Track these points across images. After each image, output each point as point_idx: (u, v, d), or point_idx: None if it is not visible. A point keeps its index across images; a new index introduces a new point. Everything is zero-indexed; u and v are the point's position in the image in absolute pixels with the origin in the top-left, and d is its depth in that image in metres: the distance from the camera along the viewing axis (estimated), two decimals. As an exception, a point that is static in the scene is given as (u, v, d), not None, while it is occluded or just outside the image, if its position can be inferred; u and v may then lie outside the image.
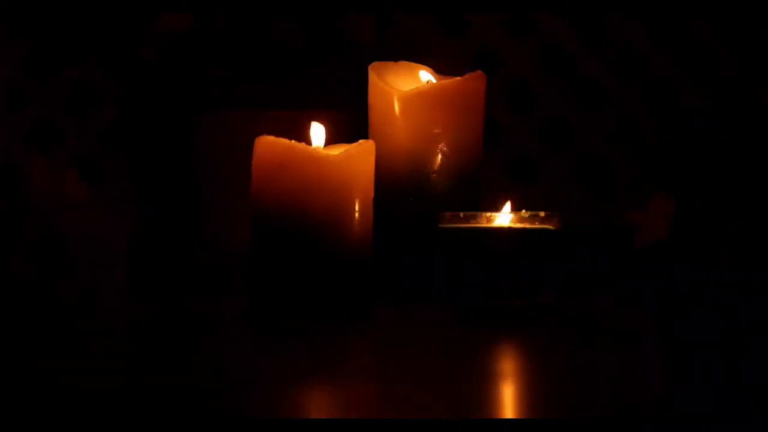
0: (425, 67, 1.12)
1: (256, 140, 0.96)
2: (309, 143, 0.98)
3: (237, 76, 1.31)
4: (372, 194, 0.98)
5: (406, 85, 1.10)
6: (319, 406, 0.68)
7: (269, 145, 0.95)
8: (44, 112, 1.38)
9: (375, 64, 1.10)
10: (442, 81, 1.10)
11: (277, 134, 0.96)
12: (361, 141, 0.98)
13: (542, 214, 0.97)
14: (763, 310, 1.04)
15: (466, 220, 0.98)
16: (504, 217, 0.97)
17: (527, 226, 0.97)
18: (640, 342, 0.90)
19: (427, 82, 1.11)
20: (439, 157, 1.07)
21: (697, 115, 1.38)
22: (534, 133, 1.40)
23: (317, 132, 0.99)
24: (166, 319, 1.04)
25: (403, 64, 1.12)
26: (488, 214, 0.98)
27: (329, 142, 1.00)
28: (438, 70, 1.12)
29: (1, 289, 1.03)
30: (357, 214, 0.96)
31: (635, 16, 1.39)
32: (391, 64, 1.12)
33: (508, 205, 0.98)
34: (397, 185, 1.07)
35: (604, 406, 0.66)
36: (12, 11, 1.36)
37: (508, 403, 0.69)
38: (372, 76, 1.09)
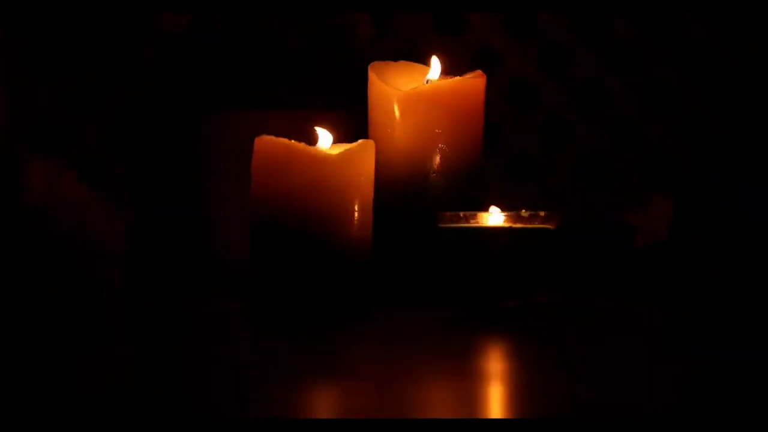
0: (426, 67, 1.12)
1: (256, 140, 0.96)
2: (313, 142, 0.98)
3: (237, 76, 1.32)
4: (372, 194, 0.98)
5: (406, 85, 1.10)
6: (318, 406, 0.68)
7: (269, 145, 0.95)
8: (44, 112, 1.38)
9: (375, 64, 1.10)
10: (442, 81, 1.10)
11: (277, 134, 0.96)
12: (361, 141, 0.98)
13: (542, 214, 0.97)
14: (763, 310, 1.04)
15: (466, 220, 0.98)
16: (504, 217, 0.97)
17: (527, 226, 0.97)
18: (639, 342, 0.90)
19: (427, 81, 1.11)
20: (439, 157, 1.07)
21: (698, 114, 1.38)
22: (534, 133, 1.40)
23: (324, 136, 0.99)
24: (166, 319, 1.04)
25: (403, 64, 1.12)
26: (488, 214, 0.98)
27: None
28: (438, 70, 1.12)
29: (1, 289, 1.03)
30: (357, 214, 0.96)
31: (635, 16, 1.39)
32: (391, 63, 1.12)
33: (494, 209, 0.98)
34: (397, 185, 1.07)
35: (603, 406, 0.66)
36: (12, 11, 1.36)
37: (508, 403, 0.69)
38: (372, 76, 1.09)
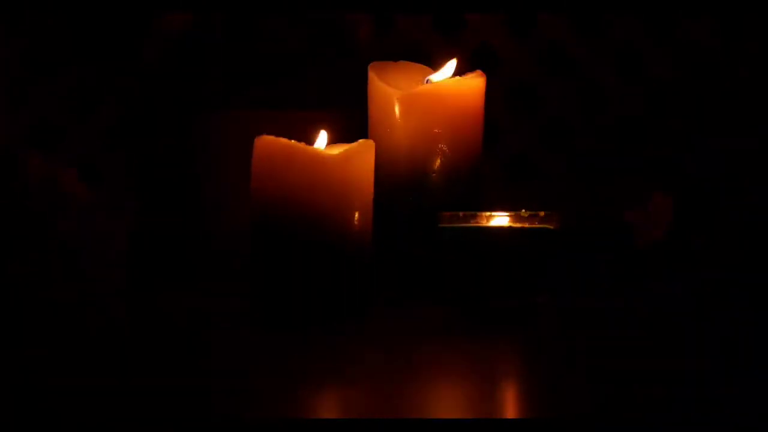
0: (426, 67, 1.12)
1: (256, 140, 0.96)
2: (312, 142, 0.98)
3: (237, 76, 1.32)
4: (372, 194, 0.98)
5: (406, 85, 1.10)
6: (318, 406, 0.68)
7: (269, 145, 0.95)
8: (44, 112, 1.38)
9: (375, 64, 1.10)
10: (442, 81, 1.10)
11: (277, 134, 0.96)
12: (361, 141, 0.98)
13: (542, 214, 0.97)
14: (763, 310, 1.04)
15: (466, 220, 0.98)
16: (503, 217, 0.97)
17: (527, 225, 0.97)
18: (639, 342, 0.90)
19: (427, 81, 1.11)
20: (439, 157, 1.07)
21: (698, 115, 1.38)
22: (534, 133, 1.40)
23: (322, 137, 0.99)
24: (166, 319, 1.04)
25: (403, 64, 1.12)
26: (488, 214, 0.98)
27: (329, 142, 1.00)
28: (438, 69, 1.12)
29: (1, 289, 1.03)
30: (357, 214, 0.96)
31: (635, 16, 1.39)
32: (391, 64, 1.12)
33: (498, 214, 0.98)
34: (397, 185, 1.07)
35: (603, 405, 0.66)
36: (12, 11, 1.36)
37: (508, 403, 0.69)
38: (372, 76, 1.09)
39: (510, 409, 0.67)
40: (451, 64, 1.10)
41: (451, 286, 0.99)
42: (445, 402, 0.69)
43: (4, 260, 1.03)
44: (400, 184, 1.07)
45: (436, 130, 1.07)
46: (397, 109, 1.07)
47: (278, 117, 1.19)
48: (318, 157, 0.96)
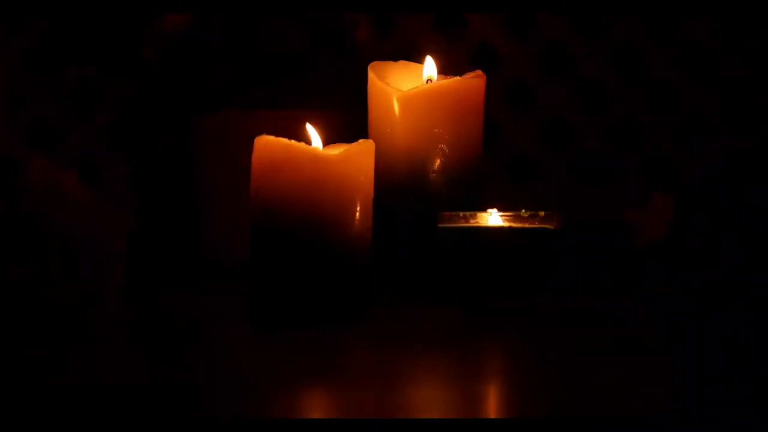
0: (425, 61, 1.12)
1: (256, 140, 0.96)
2: (308, 143, 0.98)
3: (237, 76, 1.32)
4: (372, 194, 0.98)
5: (405, 85, 1.10)
6: (318, 406, 0.68)
7: (269, 145, 0.95)
8: (44, 112, 1.38)
9: (375, 63, 1.10)
10: (442, 81, 1.10)
11: (277, 134, 0.96)
12: (360, 141, 0.98)
13: (542, 213, 0.97)
14: (762, 310, 1.04)
15: (466, 219, 0.98)
16: (503, 217, 0.97)
17: (527, 225, 0.97)
18: (639, 342, 0.90)
19: (428, 80, 1.11)
20: (439, 157, 1.07)
21: (698, 116, 1.38)
22: (534, 133, 1.40)
23: (313, 133, 0.99)
24: (166, 319, 1.04)
25: (403, 64, 1.12)
26: (488, 214, 0.98)
27: (329, 142, 1.00)
28: (438, 69, 1.12)
29: (1, 289, 1.03)
30: (357, 214, 0.96)
31: (635, 16, 1.39)
32: (390, 63, 1.12)
33: (493, 211, 0.98)
34: (396, 185, 1.07)
35: (603, 406, 0.66)
36: (12, 11, 1.36)
37: (508, 403, 0.69)
38: (371, 76, 1.09)
39: (510, 409, 0.67)
40: (429, 62, 1.10)
41: (451, 286, 0.99)
42: (445, 402, 0.69)
43: (4, 260, 1.03)
44: (400, 184, 1.07)
45: (436, 130, 1.07)
46: (397, 109, 1.07)
47: (278, 117, 1.19)
48: (318, 157, 0.96)
